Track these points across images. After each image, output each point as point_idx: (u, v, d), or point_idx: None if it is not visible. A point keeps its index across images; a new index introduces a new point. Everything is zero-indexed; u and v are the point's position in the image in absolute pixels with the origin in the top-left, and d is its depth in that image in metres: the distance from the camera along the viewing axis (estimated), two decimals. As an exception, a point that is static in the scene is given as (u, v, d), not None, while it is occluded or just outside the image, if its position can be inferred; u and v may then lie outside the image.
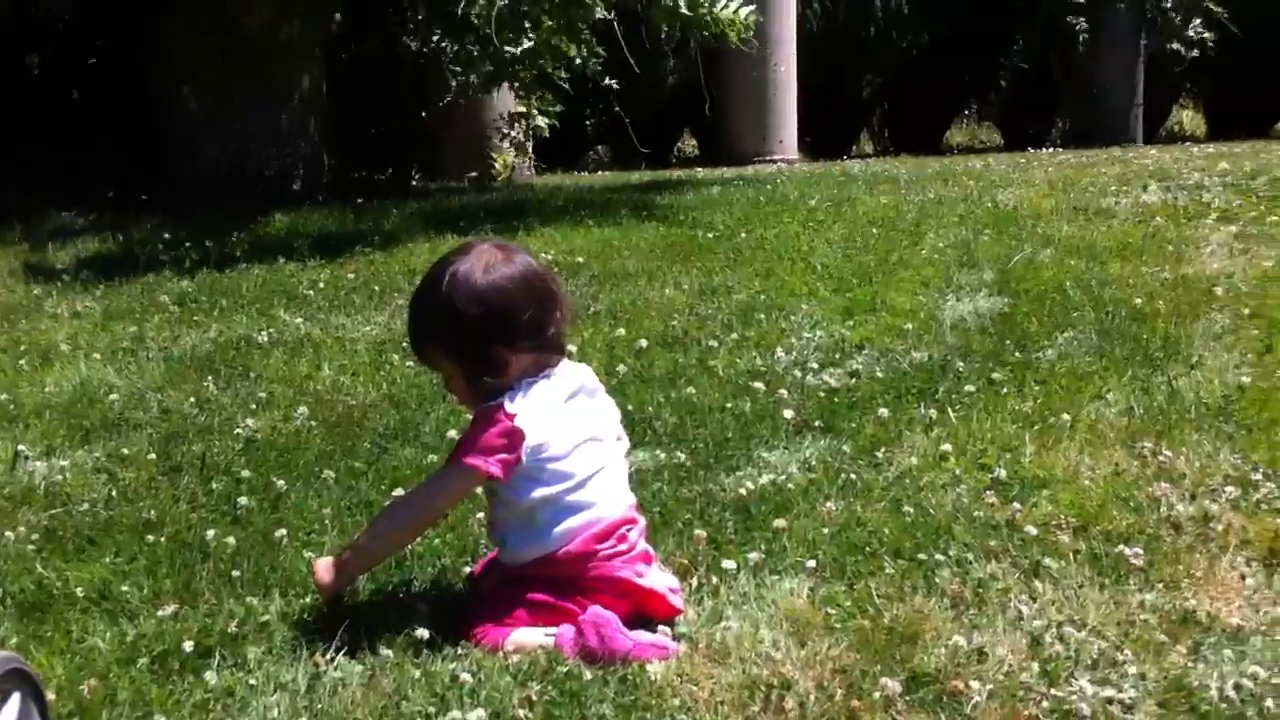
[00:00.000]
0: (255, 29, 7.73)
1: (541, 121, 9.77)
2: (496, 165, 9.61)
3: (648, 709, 2.12)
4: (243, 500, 3.10)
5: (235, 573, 2.70)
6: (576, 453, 2.42)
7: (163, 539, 2.90)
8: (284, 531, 2.89)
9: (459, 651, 2.31)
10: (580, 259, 5.71)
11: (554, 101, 9.38)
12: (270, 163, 8.07)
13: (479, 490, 2.55)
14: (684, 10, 6.31)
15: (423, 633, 2.38)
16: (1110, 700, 2.11)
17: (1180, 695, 2.13)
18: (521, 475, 2.38)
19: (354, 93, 9.36)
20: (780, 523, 2.82)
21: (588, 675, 2.21)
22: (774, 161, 10.86)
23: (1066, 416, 3.46)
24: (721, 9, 6.43)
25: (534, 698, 2.13)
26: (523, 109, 9.30)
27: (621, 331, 4.46)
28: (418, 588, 2.63)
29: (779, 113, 11.28)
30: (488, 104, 9.45)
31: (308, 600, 2.55)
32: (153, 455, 3.48)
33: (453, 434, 3.47)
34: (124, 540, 2.90)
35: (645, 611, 2.39)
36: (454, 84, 8.55)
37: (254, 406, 3.87)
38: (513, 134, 9.51)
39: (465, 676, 2.22)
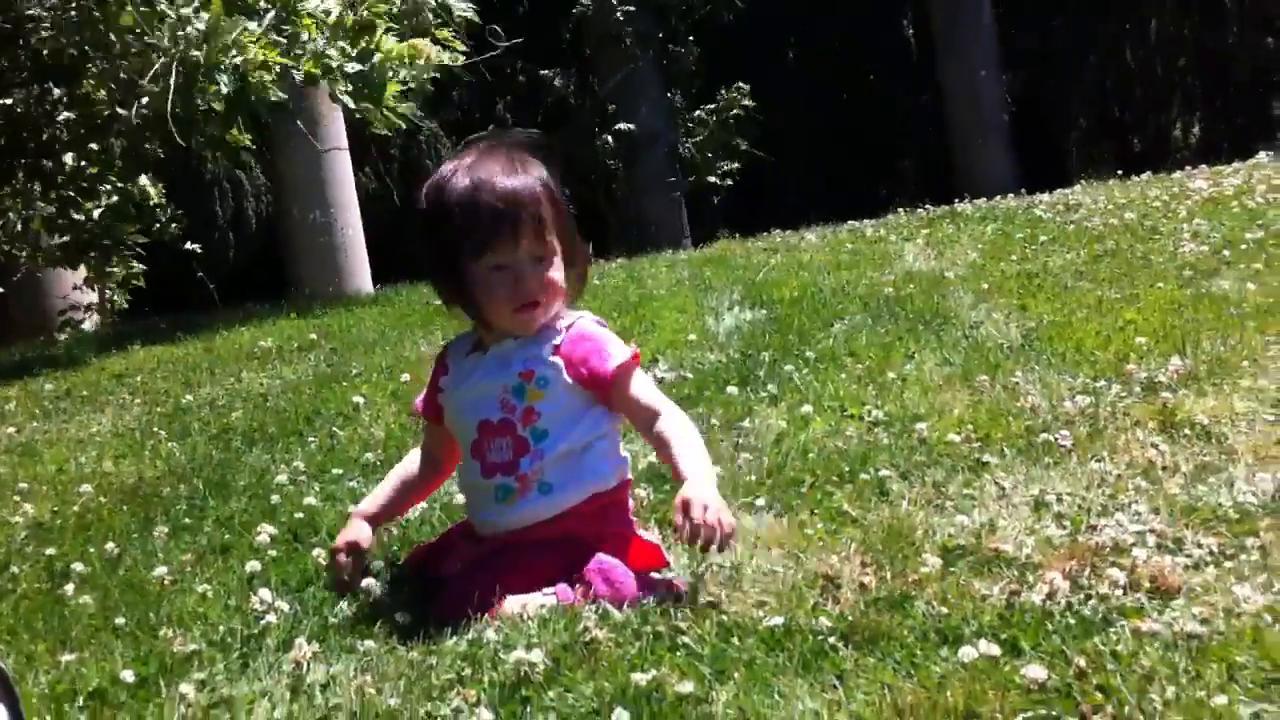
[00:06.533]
0: None
1: (119, 296, 8.95)
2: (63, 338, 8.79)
3: (718, 614, 1.93)
4: (77, 567, 2.62)
5: (119, 620, 2.27)
6: None
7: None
8: (163, 570, 2.47)
9: (465, 625, 2.02)
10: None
11: (133, 268, 8.67)
12: None
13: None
14: (360, 87, 6.12)
15: (402, 618, 2.09)
16: (1145, 529, 2.11)
17: (1198, 513, 2.17)
18: None
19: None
20: (716, 471, 2.69)
21: (622, 611, 1.99)
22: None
23: (893, 374, 3.53)
24: (394, 78, 6.30)
25: (592, 627, 1.89)
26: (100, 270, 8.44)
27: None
28: (347, 607, 2.28)
29: (351, 268, 11.22)
30: (55, 278, 8.72)
31: (237, 628, 2.17)
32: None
33: (283, 478, 3.13)
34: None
35: (637, 565, 2.19)
36: (23, 257, 7.79)
37: (17, 500, 3.33)
38: (82, 309, 8.65)
39: (490, 634, 1.95)
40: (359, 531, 2.32)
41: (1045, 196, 8.08)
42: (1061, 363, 3.46)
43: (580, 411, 2.16)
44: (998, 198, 8.78)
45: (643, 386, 2.18)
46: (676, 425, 2.13)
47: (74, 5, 6.40)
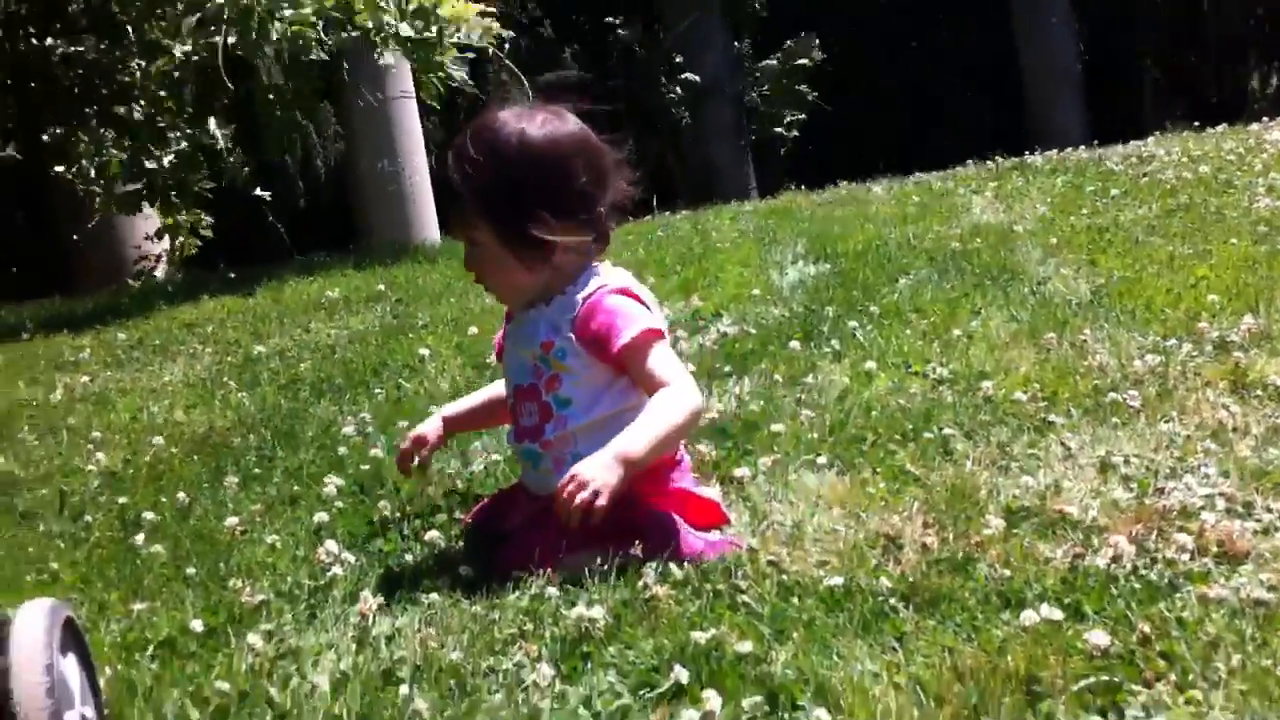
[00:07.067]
0: None
1: (187, 242, 8.93)
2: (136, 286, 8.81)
3: (778, 573, 1.93)
4: (149, 516, 2.67)
5: (190, 570, 2.32)
6: None
7: (69, 565, 2.46)
8: (233, 521, 2.51)
9: (527, 580, 2.03)
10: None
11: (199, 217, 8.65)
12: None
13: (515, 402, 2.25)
14: (414, 36, 6.12)
15: (465, 571, 2.12)
16: (1214, 493, 2.08)
17: (1269, 477, 2.14)
18: None
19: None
20: (778, 428, 2.69)
21: (682, 568, 2.00)
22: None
23: (958, 331, 3.50)
24: (451, 37, 6.29)
25: (652, 584, 1.90)
26: (169, 222, 8.45)
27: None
28: (412, 559, 2.32)
29: (419, 217, 11.20)
30: (129, 226, 8.82)
31: (304, 580, 2.20)
32: (-9, 507, 2.97)
33: (350, 429, 3.16)
34: (14, 573, 2.43)
35: (697, 522, 2.19)
36: (97, 202, 7.84)
37: (90, 449, 3.39)
38: (153, 258, 8.69)
39: (552, 590, 1.97)
40: (431, 426, 2.41)
41: (1118, 149, 7.95)
42: (1131, 320, 3.41)
43: (605, 383, 2.13)
44: (1069, 150, 8.63)
45: (657, 361, 2.09)
46: (658, 400, 2.06)
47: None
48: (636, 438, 2.01)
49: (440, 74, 6.57)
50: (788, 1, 14.42)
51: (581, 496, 1.94)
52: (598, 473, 1.96)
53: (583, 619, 1.81)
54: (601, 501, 1.95)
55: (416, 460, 2.40)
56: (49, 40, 7.11)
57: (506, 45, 7.08)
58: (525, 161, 2.11)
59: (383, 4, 6.22)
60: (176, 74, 7.02)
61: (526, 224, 2.10)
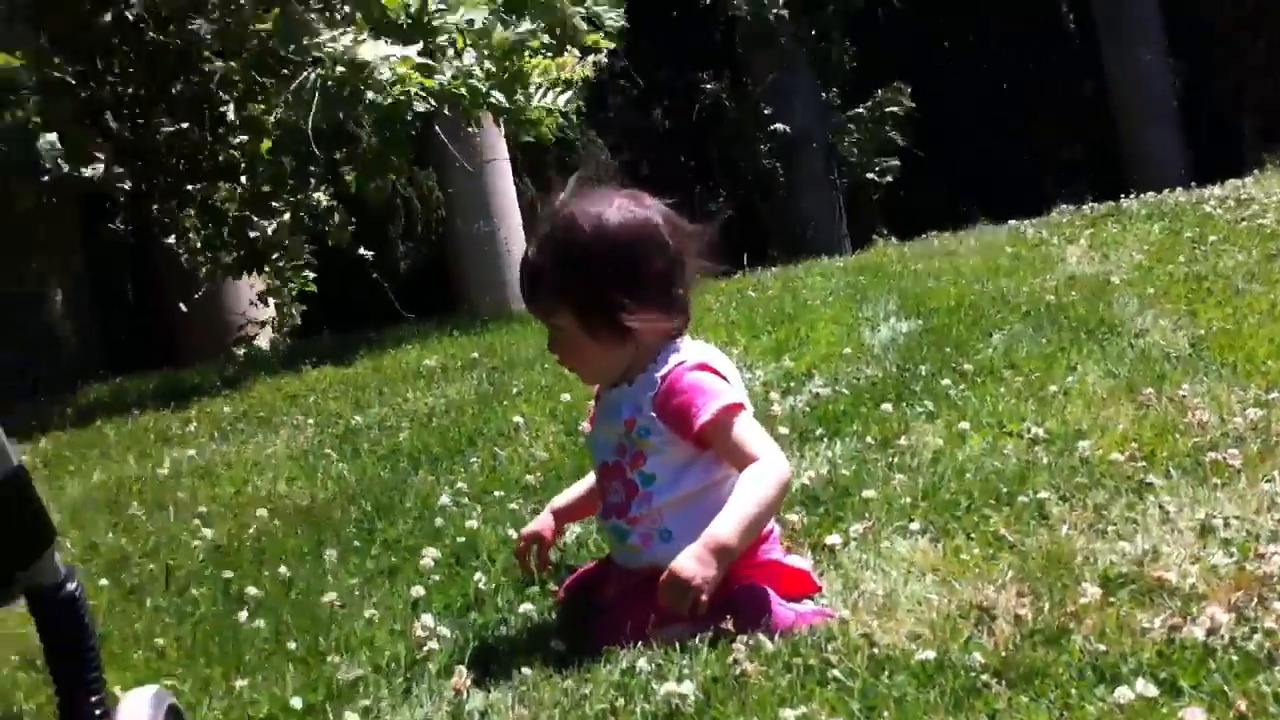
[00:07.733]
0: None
1: (294, 310, 8.99)
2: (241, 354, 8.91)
3: (870, 645, 1.92)
4: (251, 590, 2.74)
5: (290, 645, 2.37)
6: None
7: (174, 641, 2.53)
8: (333, 595, 2.56)
9: (619, 655, 2.05)
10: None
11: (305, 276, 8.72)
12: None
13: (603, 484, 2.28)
14: (504, 103, 6.24)
15: (558, 644, 2.14)
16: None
17: (1378, 542, 2.08)
18: None
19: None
20: (870, 493, 2.68)
21: (773, 641, 2.00)
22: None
23: (1054, 387, 3.46)
24: (541, 99, 6.41)
25: (743, 659, 1.90)
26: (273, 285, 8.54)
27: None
28: (506, 632, 2.34)
29: (514, 278, 11.13)
30: (234, 294, 9.03)
31: (401, 654, 2.24)
32: (104, 582, 3.05)
33: (447, 499, 3.21)
34: (123, 649, 2.50)
35: (788, 593, 2.19)
36: (203, 271, 8.00)
37: (197, 523, 3.48)
38: (257, 323, 8.80)
39: (643, 664, 1.98)
40: (542, 523, 2.45)
41: (1215, 190, 7.81)
42: (1232, 374, 3.35)
43: (689, 459, 2.15)
44: (1165, 192, 8.50)
45: (741, 435, 2.10)
46: (745, 479, 2.06)
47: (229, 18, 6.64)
48: (728, 524, 2.01)
49: (539, 129, 6.69)
50: (876, 48, 14.45)
51: (686, 597, 1.96)
52: (696, 568, 1.97)
53: (672, 695, 1.82)
54: (703, 597, 1.97)
55: (536, 559, 2.44)
56: (154, 121, 7.37)
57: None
58: (602, 248, 2.15)
59: (474, 73, 6.34)
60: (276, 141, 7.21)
61: (605, 309, 2.14)
